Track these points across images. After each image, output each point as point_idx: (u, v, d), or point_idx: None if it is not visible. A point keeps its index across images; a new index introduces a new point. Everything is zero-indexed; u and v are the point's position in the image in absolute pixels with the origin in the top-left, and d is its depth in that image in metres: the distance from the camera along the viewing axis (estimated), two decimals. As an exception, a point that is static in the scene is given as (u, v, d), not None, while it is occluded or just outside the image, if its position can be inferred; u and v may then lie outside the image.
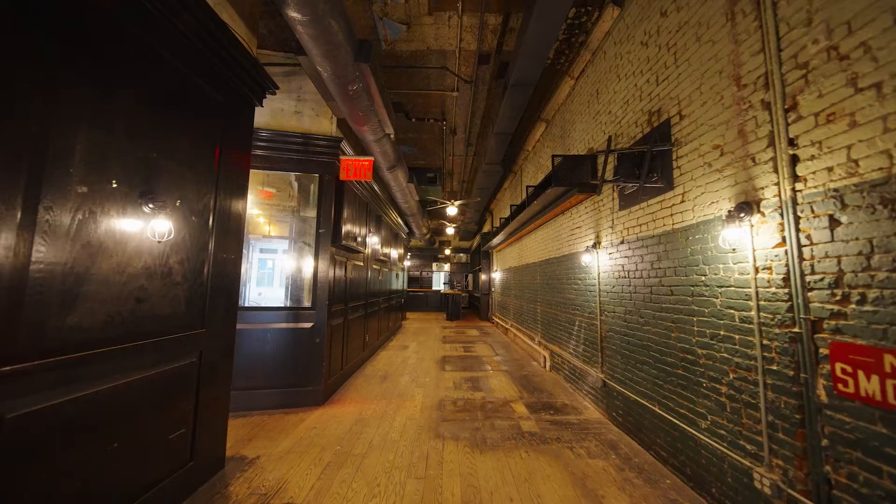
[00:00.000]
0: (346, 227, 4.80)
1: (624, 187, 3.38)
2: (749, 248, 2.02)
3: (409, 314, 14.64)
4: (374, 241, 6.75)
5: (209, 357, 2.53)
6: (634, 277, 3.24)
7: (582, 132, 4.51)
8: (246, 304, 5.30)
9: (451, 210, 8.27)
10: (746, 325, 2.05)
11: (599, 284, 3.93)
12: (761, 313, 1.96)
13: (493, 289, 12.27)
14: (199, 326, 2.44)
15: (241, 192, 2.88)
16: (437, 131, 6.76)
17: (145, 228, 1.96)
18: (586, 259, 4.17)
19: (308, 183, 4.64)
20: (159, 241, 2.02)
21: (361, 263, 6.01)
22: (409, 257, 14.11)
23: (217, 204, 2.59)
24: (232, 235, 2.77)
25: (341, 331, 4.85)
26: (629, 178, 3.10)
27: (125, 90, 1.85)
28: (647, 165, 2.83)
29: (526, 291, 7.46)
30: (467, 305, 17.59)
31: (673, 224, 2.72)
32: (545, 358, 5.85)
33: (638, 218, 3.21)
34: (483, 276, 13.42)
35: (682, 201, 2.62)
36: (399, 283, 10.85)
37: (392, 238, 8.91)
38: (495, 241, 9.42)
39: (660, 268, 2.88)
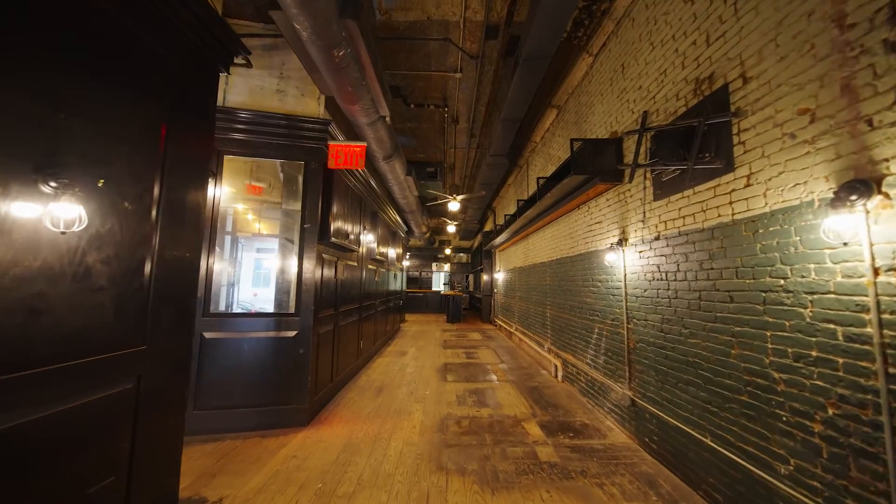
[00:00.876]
0: (337, 223, 4.27)
1: (661, 173, 2.86)
2: (864, 241, 1.50)
3: (407, 316, 14.11)
4: (369, 239, 6.23)
5: (152, 380, 2.00)
6: (675, 280, 2.72)
7: (603, 115, 3.98)
8: (234, 310, 4.79)
9: (453, 205, 7.75)
10: (857, 345, 1.53)
11: (626, 287, 3.41)
12: (885, 331, 1.43)
13: (495, 290, 11.75)
14: (136, 343, 1.91)
15: (200, 176, 2.35)
16: (437, 119, 6.23)
17: (44, 214, 1.44)
18: (610, 258, 3.65)
19: (295, 173, 4.11)
20: (64, 232, 1.49)
21: (355, 263, 5.49)
22: (407, 257, 13.60)
23: (164, 189, 2.06)
24: (187, 229, 2.24)
25: (330, 339, 4.32)
26: (671, 160, 2.58)
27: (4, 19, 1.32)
28: (697, 143, 2.30)
29: (533, 293, 6.94)
30: (468, 307, 17.06)
31: (733, 214, 2.20)
32: (556, 367, 5.32)
33: (680, 209, 2.68)
34: (485, 277, 12.89)
35: (748, 185, 2.09)
36: (397, 283, 10.32)
37: (389, 236, 8.38)
38: (498, 239, 8.90)
39: (712, 269, 2.36)
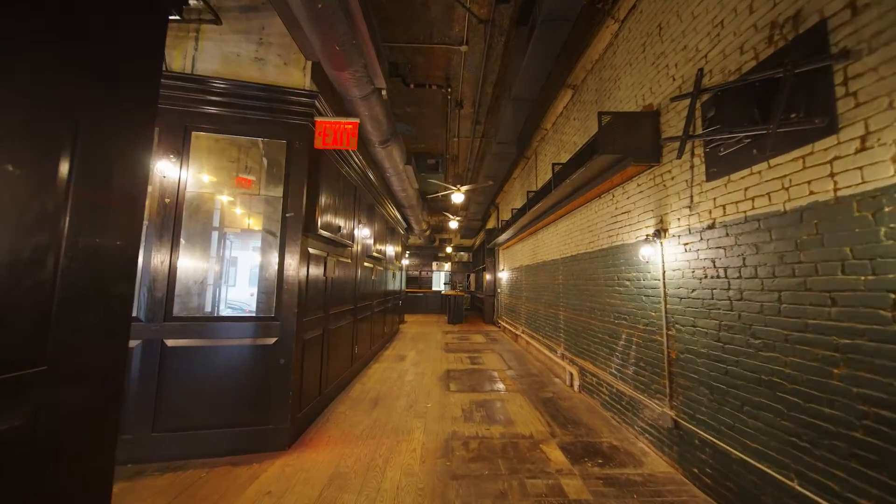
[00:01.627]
0: (326, 213, 3.75)
1: (718, 146, 2.33)
2: None
3: (407, 317, 13.58)
4: (364, 235, 5.70)
5: (59, 412, 1.46)
6: (739, 277, 2.19)
7: (632, 87, 3.46)
8: (222, 311, 4.25)
9: (457, 197, 7.21)
10: None
11: (665, 287, 2.89)
12: None
13: (499, 290, 11.23)
14: (30, 362, 1.37)
15: (139, 141, 1.81)
16: (439, 103, 5.71)
17: None
18: (644, 252, 3.12)
19: (276, 154, 3.58)
20: None
21: (349, 260, 4.96)
22: (407, 255, 13.07)
23: (79, 153, 1.53)
24: (118, 210, 1.70)
25: (319, 345, 3.79)
26: (738, 125, 2.05)
27: None
28: (784, 99, 1.77)
29: (543, 293, 6.41)
30: (470, 307, 16.57)
31: (836, 189, 1.67)
32: (572, 375, 4.80)
33: (746, 188, 2.16)
34: (488, 276, 12.37)
35: (863, 148, 1.57)
36: (396, 283, 9.80)
37: (388, 233, 7.86)
38: (503, 236, 8.38)
39: (800, 262, 1.83)
